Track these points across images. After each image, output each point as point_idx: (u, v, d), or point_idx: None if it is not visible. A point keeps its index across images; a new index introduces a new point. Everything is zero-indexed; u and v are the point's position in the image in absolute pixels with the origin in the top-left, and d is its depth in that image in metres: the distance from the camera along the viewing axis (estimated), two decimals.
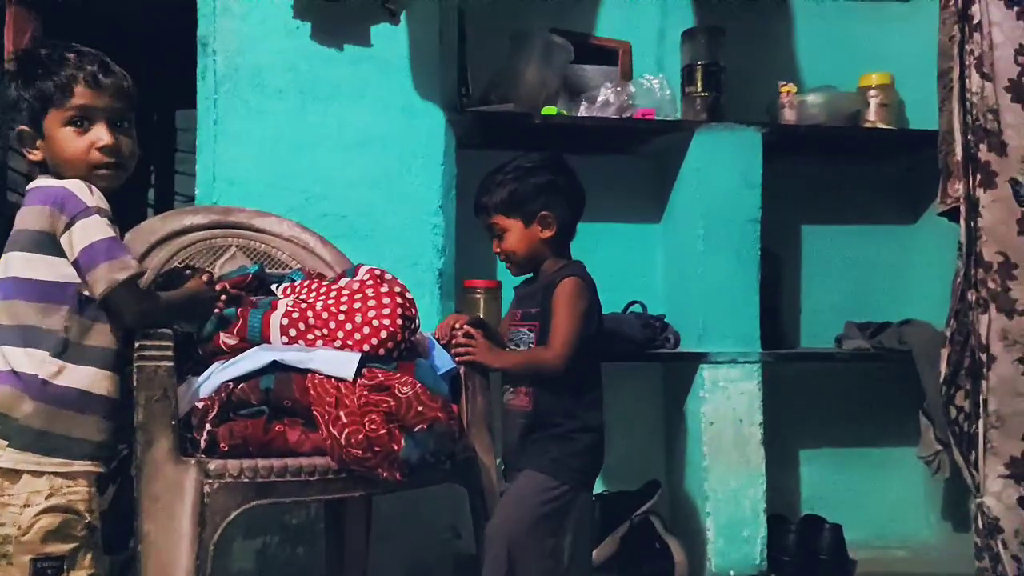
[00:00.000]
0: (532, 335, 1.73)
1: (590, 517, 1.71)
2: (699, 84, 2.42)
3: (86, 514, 1.31)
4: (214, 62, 2.11)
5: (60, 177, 1.36)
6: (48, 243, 1.31)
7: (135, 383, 1.34)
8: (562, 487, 1.64)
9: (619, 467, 2.45)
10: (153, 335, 1.36)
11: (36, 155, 1.38)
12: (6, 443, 1.27)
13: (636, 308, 2.45)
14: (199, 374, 1.47)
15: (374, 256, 2.02)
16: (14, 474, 1.28)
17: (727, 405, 2.32)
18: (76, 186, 1.32)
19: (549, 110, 2.33)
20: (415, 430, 1.41)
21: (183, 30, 2.23)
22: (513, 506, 1.64)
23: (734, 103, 2.45)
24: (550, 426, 1.68)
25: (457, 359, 1.67)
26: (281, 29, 2.13)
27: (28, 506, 1.27)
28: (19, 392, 1.28)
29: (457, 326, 1.71)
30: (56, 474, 1.29)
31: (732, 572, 2.27)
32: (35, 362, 1.29)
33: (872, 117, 2.54)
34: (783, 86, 2.50)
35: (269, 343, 1.49)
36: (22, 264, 1.32)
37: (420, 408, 1.42)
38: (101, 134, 1.36)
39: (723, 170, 2.37)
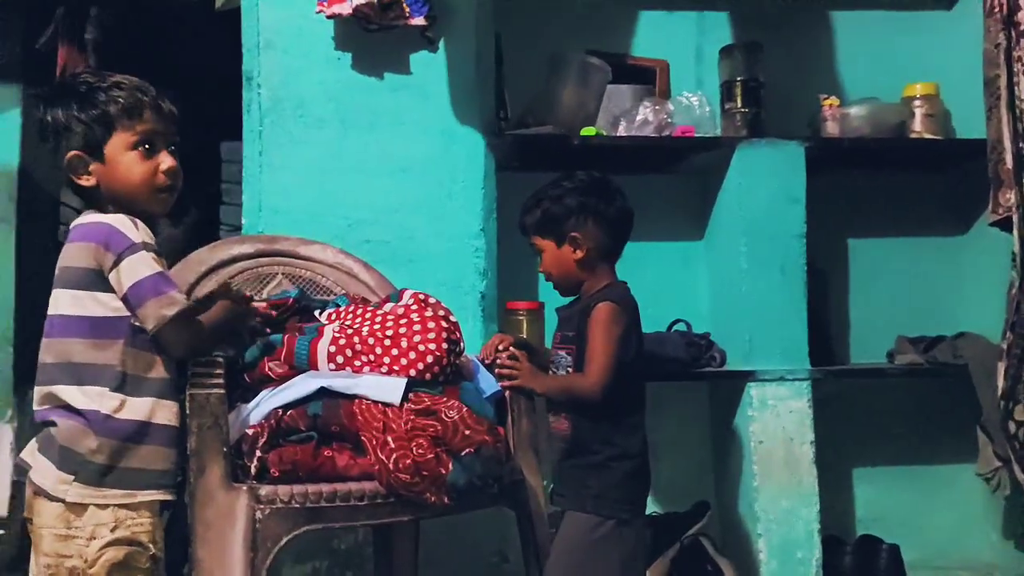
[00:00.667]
0: (570, 358, 1.72)
1: (640, 546, 1.68)
2: (738, 100, 2.41)
3: (150, 545, 1.32)
4: (259, 95, 2.16)
5: (114, 201, 1.37)
6: (97, 280, 1.32)
7: (187, 411, 1.37)
8: (607, 522, 1.62)
9: (667, 488, 2.43)
10: (204, 363, 1.39)
11: (90, 180, 1.37)
12: (72, 478, 1.29)
13: (680, 327, 2.43)
14: (248, 401, 1.49)
15: (417, 280, 2.04)
16: (80, 508, 1.30)
17: (776, 424, 2.28)
18: (120, 222, 1.33)
19: (588, 131, 2.33)
20: (462, 454, 1.41)
21: (226, 65, 2.29)
22: (564, 553, 1.63)
23: (775, 118, 2.44)
24: (587, 453, 1.66)
25: (501, 382, 1.67)
26: (322, 61, 2.17)
27: (94, 539, 1.29)
28: (84, 428, 1.30)
29: (502, 347, 1.72)
30: (121, 506, 1.31)
31: None
32: (94, 398, 1.31)
33: (918, 127, 2.50)
34: (825, 99, 2.47)
35: (316, 370, 1.51)
36: (71, 302, 1.33)
37: (467, 432, 1.42)
38: (165, 158, 1.39)
39: (766, 186, 2.34)
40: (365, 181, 2.17)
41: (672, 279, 2.55)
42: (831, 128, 2.45)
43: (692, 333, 2.40)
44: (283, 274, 1.89)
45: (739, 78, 2.41)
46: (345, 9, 2.05)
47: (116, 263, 1.31)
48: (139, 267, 1.31)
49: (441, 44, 2.19)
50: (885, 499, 2.59)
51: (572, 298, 1.80)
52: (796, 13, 2.62)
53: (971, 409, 2.36)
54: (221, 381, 1.39)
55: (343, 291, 1.88)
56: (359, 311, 1.62)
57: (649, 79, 2.54)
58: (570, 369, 1.71)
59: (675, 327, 2.43)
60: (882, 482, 2.61)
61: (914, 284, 2.65)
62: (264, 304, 1.61)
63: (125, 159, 1.36)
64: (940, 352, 2.40)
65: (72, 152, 1.36)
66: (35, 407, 1.36)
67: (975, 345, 2.36)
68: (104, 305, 1.33)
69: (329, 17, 2.09)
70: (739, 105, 2.41)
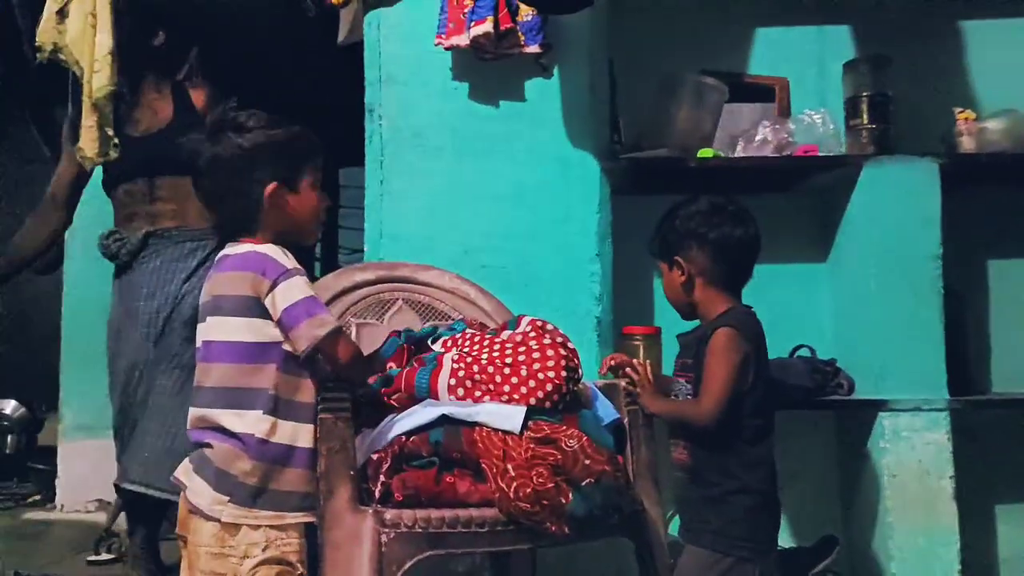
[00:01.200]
0: (689, 387, 1.69)
1: None
2: (865, 116, 2.31)
3: (298, 565, 1.39)
4: (380, 127, 2.23)
5: (282, 230, 1.46)
6: (253, 306, 1.39)
7: (318, 435, 1.41)
8: (725, 559, 1.58)
9: (792, 521, 2.33)
10: (332, 389, 1.43)
11: (279, 211, 1.46)
12: (227, 499, 1.36)
13: (803, 352, 2.33)
14: (372, 426, 1.52)
15: (532, 305, 2.04)
16: (234, 527, 1.36)
17: (911, 456, 2.15)
18: (273, 250, 1.42)
19: (705, 152, 2.29)
20: (582, 484, 1.40)
21: (341, 94, 2.38)
22: None
23: (905, 134, 2.32)
24: (707, 485, 1.62)
25: (624, 387, 1.67)
26: (440, 92, 2.22)
27: (247, 557, 1.36)
28: (238, 451, 1.37)
29: (636, 362, 1.73)
30: (271, 527, 1.37)
31: None
32: (250, 422, 1.37)
33: None
34: (959, 113, 2.34)
35: (437, 400, 1.52)
36: (227, 328, 1.41)
37: (587, 462, 1.41)
38: (324, 196, 1.54)
39: (896, 205, 2.23)
40: (481, 207, 2.20)
41: (794, 303, 2.45)
42: (967, 143, 2.32)
43: (817, 359, 2.30)
44: (403, 300, 1.93)
45: (865, 93, 2.32)
46: (463, 40, 2.09)
47: (272, 288, 1.38)
48: (293, 291, 1.39)
49: (555, 71, 2.21)
50: None
51: (693, 324, 1.77)
52: (924, 24, 2.51)
53: None
54: (348, 406, 1.42)
55: (460, 316, 1.90)
56: (477, 338, 1.63)
57: (768, 97, 2.48)
58: (689, 397, 1.68)
59: (798, 353, 2.34)
60: None
61: None
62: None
63: (310, 194, 1.50)
64: None
65: (273, 184, 1.45)
66: (189, 427, 1.44)
67: None
68: (259, 331, 1.39)
69: (447, 49, 2.14)
70: (865, 121, 2.31)
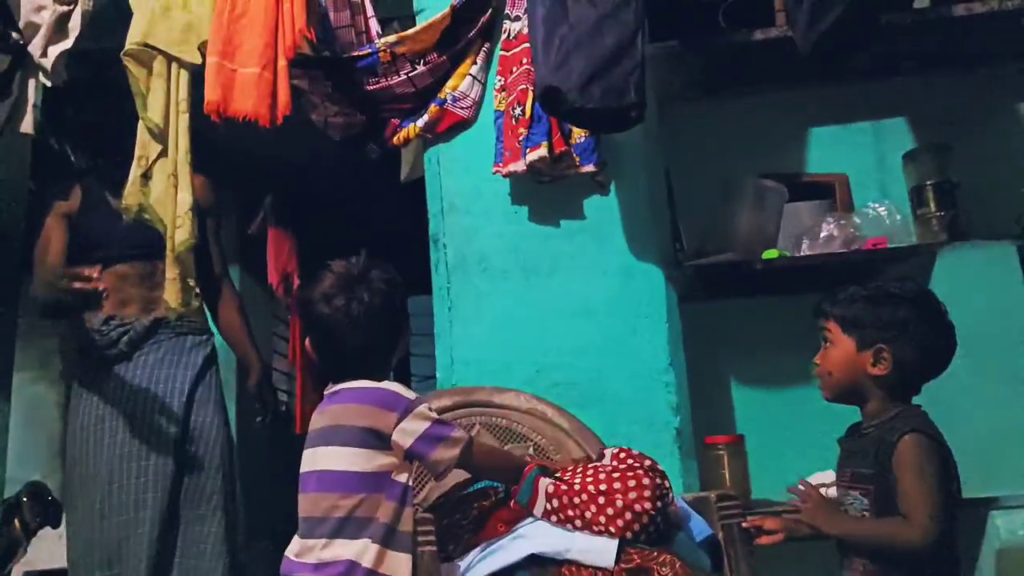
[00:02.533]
0: (866, 501, 1.50)
1: None
2: (932, 204, 2.28)
3: None
4: (445, 255, 2.28)
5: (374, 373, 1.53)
6: (371, 438, 1.44)
7: (414, 565, 1.39)
8: None
9: None
10: (417, 520, 1.41)
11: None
12: None
13: None
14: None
15: (610, 420, 2.01)
16: None
17: None
18: (395, 386, 1.50)
19: (770, 254, 2.28)
20: None
21: (408, 228, 2.46)
22: None
23: (977, 220, 2.28)
24: None
25: (759, 539, 1.54)
26: (501, 217, 2.28)
27: None
28: None
29: (802, 483, 1.58)
30: None
31: None
32: (357, 549, 1.38)
33: None
34: None
35: (534, 508, 1.49)
36: (339, 458, 1.44)
37: None
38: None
39: (977, 291, 2.15)
40: (550, 326, 2.20)
41: None
42: None
43: None
44: (481, 424, 1.93)
45: (929, 181, 2.29)
46: (520, 167, 2.16)
47: (399, 420, 1.44)
48: (421, 421, 1.45)
49: (612, 185, 2.25)
50: None
51: (852, 428, 1.62)
52: (979, 108, 2.49)
53: None
54: (433, 538, 1.40)
55: (540, 437, 1.88)
56: (571, 467, 1.61)
57: (828, 194, 2.48)
58: (866, 513, 1.50)
59: None
60: None
61: None
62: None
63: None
64: None
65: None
66: (292, 556, 1.43)
67: None
68: (373, 461, 1.43)
69: (505, 176, 2.21)
70: (933, 209, 2.27)
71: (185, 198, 2.03)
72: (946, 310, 1.57)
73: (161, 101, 2.06)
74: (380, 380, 1.51)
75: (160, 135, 2.05)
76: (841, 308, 1.57)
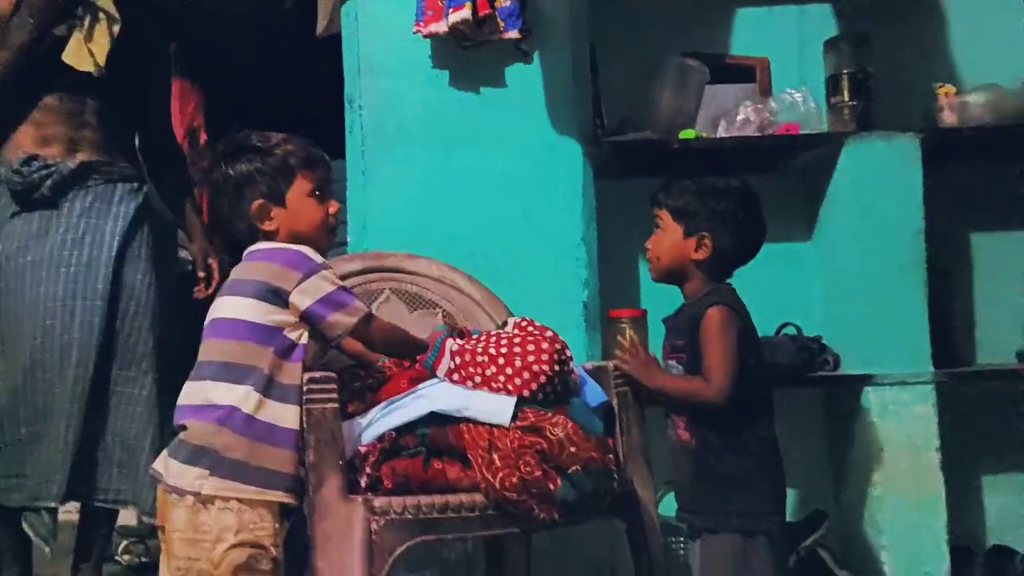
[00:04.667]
0: (681, 368, 1.68)
1: (777, 559, 1.61)
2: (846, 93, 2.31)
3: (272, 549, 1.40)
4: (360, 117, 2.22)
5: (292, 241, 1.52)
6: (270, 294, 1.45)
7: (304, 425, 1.42)
8: (753, 538, 1.58)
9: None
10: (319, 379, 1.43)
11: (272, 225, 1.53)
12: (208, 472, 1.38)
13: (789, 331, 2.35)
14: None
15: (520, 292, 2.05)
16: (207, 510, 1.38)
17: (899, 430, 2.17)
18: (305, 249, 1.50)
19: (687, 134, 2.30)
20: (570, 471, 1.41)
21: (325, 89, 2.37)
22: None
23: (886, 111, 2.33)
24: (716, 465, 1.61)
25: (615, 367, 1.67)
26: (421, 80, 2.21)
27: (219, 542, 1.37)
28: (218, 427, 1.39)
29: (621, 340, 1.73)
30: (246, 504, 1.38)
31: None
32: (238, 396, 1.40)
33: None
34: (940, 87, 2.35)
35: (438, 368, 1.54)
36: (237, 307, 1.46)
37: (573, 449, 1.42)
38: (333, 202, 1.58)
39: (879, 181, 2.24)
40: (466, 196, 2.20)
41: (779, 282, 2.46)
42: (948, 118, 2.33)
43: (803, 337, 2.32)
44: (390, 290, 1.94)
45: (846, 71, 2.32)
46: (441, 28, 2.08)
47: (301, 281, 1.45)
48: (324, 284, 1.46)
49: (536, 56, 2.20)
50: (1018, 507, 2.44)
51: (667, 301, 1.77)
52: (903, 1, 2.51)
53: None
54: (335, 396, 1.43)
55: (449, 304, 1.91)
56: (479, 334, 1.65)
57: (749, 78, 2.49)
58: None
59: (784, 331, 2.35)
60: (1015, 489, 2.45)
61: None
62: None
63: (304, 204, 1.55)
64: None
65: (258, 202, 1.52)
66: (180, 403, 1.46)
67: None
68: (268, 315, 1.44)
69: (426, 36, 2.13)
70: (846, 99, 2.31)
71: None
72: (761, 206, 1.71)
73: None
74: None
75: None
76: (673, 199, 1.70)
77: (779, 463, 1.65)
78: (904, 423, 2.18)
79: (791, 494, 2.34)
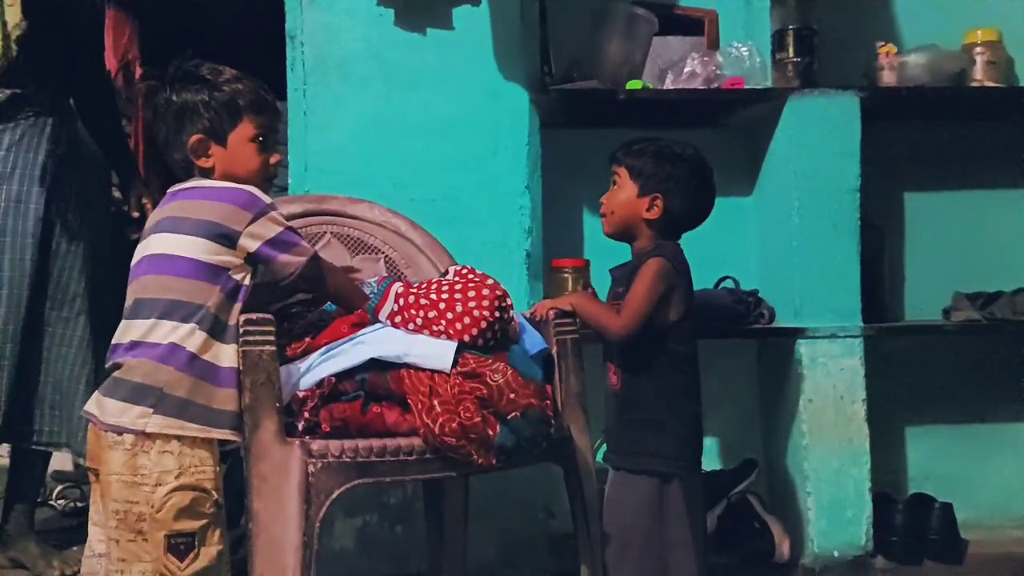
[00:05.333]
0: None
1: (701, 498, 1.69)
2: (791, 50, 2.33)
3: (214, 492, 1.37)
4: (302, 54, 2.16)
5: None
6: (218, 234, 1.40)
7: (241, 367, 1.39)
8: (656, 479, 1.65)
9: (714, 445, 2.43)
10: (256, 321, 1.41)
11: (208, 163, 1.48)
12: (151, 410, 1.34)
13: (728, 283, 2.39)
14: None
15: (462, 239, 2.04)
16: (145, 453, 1.34)
17: (827, 382, 2.24)
18: (254, 189, 1.46)
19: (634, 84, 2.29)
20: (508, 417, 1.42)
21: (266, 23, 2.28)
22: (628, 514, 1.66)
23: (829, 68, 2.35)
24: (637, 410, 1.69)
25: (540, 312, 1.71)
26: (365, 18, 2.16)
27: (160, 485, 1.34)
28: (160, 364, 1.35)
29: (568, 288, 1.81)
30: (190, 443, 1.36)
31: (836, 553, 2.20)
32: (183, 334, 1.36)
33: (979, 76, 2.40)
34: (881, 47, 2.38)
35: (379, 312, 1.53)
36: (180, 244, 1.40)
37: (512, 395, 1.43)
38: (275, 152, 1.53)
39: (819, 138, 2.28)
40: (410, 140, 2.17)
41: (720, 235, 2.47)
42: (887, 77, 2.37)
43: (740, 290, 2.37)
44: (332, 233, 1.90)
45: (791, 26, 2.33)
46: None
47: (252, 221, 1.42)
48: (273, 225, 1.44)
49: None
50: (938, 457, 2.55)
51: (618, 253, 1.80)
52: None
53: None
54: (273, 339, 1.40)
55: (391, 249, 1.89)
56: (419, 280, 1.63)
57: (697, 30, 2.48)
58: None
59: (723, 284, 2.40)
60: (935, 440, 2.56)
61: (973, 238, 2.57)
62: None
63: (245, 148, 1.49)
64: (999, 308, 2.34)
65: (197, 136, 1.47)
66: (115, 342, 1.41)
67: None
68: (215, 254, 1.40)
69: None
70: (791, 55, 2.33)
71: None
72: (713, 175, 1.76)
73: None
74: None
75: None
76: (632, 158, 1.74)
77: (697, 412, 1.73)
78: (832, 375, 2.25)
79: (725, 442, 2.43)
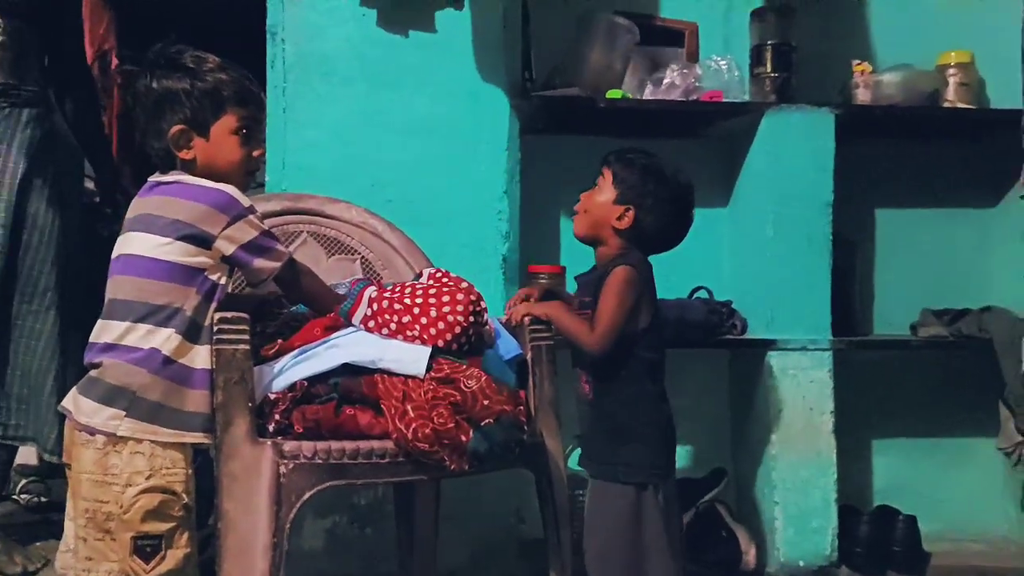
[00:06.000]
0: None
1: (666, 509, 1.69)
2: (769, 65, 2.36)
3: (183, 495, 1.36)
4: (283, 51, 2.15)
5: (208, 176, 1.43)
6: (193, 235, 1.38)
7: (214, 365, 1.38)
8: (632, 488, 1.66)
9: (684, 454, 2.44)
10: (231, 320, 1.39)
11: (189, 154, 1.44)
12: (124, 413, 1.33)
13: (702, 294, 2.42)
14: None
15: (439, 241, 2.04)
16: (117, 453, 1.33)
17: (796, 393, 2.27)
18: (233, 190, 1.42)
19: (614, 93, 2.30)
20: (482, 423, 1.42)
21: (247, 18, 2.26)
22: (605, 526, 1.67)
23: (806, 84, 2.39)
24: (611, 419, 1.69)
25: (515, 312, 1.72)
26: (348, 17, 2.15)
27: (130, 486, 1.32)
28: (135, 367, 1.34)
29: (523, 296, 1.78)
30: (162, 445, 1.34)
31: (801, 563, 2.23)
32: (159, 339, 1.35)
33: (951, 96, 2.45)
34: (857, 65, 2.42)
35: (353, 316, 1.52)
36: (155, 245, 1.37)
37: (486, 402, 1.42)
38: (258, 145, 1.51)
39: (794, 153, 2.31)
40: (389, 140, 2.16)
41: (695, 246, 2.45)
42: (862, 95, 2.41)
43: (714, 300, 2.39)
44: (308, 233, 1.89)
45: (770, 42, 2.36)
46: None
47: (228, 225, 1.39)
48: (250, 229, 1.41)
49: (467, 2, 2.16)
50: (904, 470, 2.59)
51: (590, 269, 1.81)
52: None
53: (994, 383, 2.35)
54: (247, 337, 1.39)
55: (367, 250, 1.88)
56: (394, 284, 1.62)
57: (678, 41, 2.50)
58: None
59: (697, 294, 2.42)
60: (901, 453, 2.60)
61: (942, 256, 2.62)
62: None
63: (227, 141, 1.45)
64: (965, 325, 2.38)
65: (179, 126, 1.42)
66: (92, 339, 1.39)
67: (1001, 319, 2.34)
68: (189, 256, 1.38)
69: None
70: (769, 70, 2.36)
71: None
72: (692, 206, 1.76)
73: None
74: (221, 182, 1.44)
75: None
76: (620, 165, 1.74)
77: (668, 420, 1.74)
78: (802, 387, 2.28)
79: (695, 451, 2.45)
